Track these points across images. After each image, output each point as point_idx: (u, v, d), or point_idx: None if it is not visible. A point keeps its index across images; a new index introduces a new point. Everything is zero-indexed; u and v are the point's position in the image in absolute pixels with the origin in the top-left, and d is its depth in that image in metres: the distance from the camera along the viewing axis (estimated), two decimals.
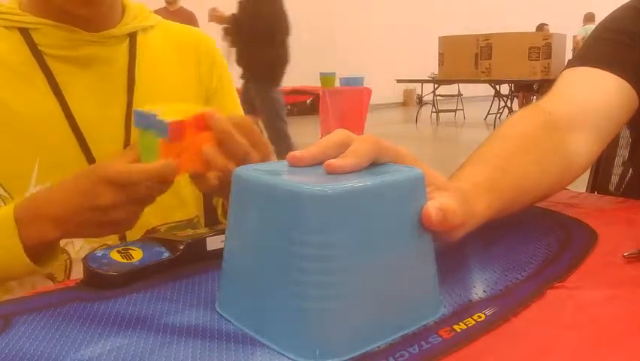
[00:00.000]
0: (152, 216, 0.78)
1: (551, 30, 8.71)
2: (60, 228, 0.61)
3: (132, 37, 0.80)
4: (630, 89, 0.78)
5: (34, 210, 0.62)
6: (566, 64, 0.88)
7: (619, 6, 0.88)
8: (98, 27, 0.76)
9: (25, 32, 0.73)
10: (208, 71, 0.89)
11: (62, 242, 0.74)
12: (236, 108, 0.95)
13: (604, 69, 0.78)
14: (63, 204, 0.61)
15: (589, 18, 8.86)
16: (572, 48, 8.28)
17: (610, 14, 0.88)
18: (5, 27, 0.73)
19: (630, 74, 0.78)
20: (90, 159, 0.75)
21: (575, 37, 8.37)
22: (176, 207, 0.84)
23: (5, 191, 0.71)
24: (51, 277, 0.75)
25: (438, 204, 0.44)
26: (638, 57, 0.79)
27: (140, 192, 0.59)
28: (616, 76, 0.78)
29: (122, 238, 0.77)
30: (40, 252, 0.63)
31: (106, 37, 0.76)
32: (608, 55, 0.81)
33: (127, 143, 0.77)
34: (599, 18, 0.94)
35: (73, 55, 0.75)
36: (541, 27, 9.22)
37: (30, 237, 0.61)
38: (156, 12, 0.87)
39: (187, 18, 5.47)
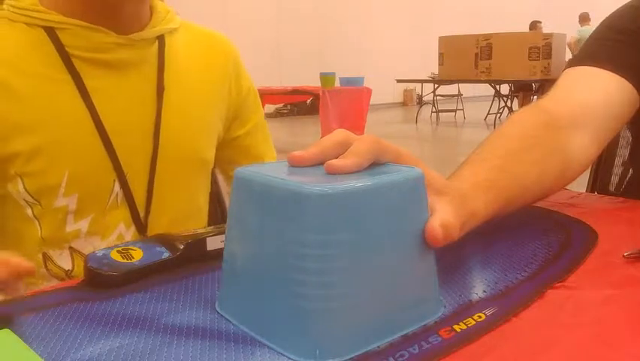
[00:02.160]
0: (171, 226, 0.76)
1: (546, 27, 8.72)
2: None
3: (160, 40, 0.77)
4: (631, 88, 0.78)
5: None
6: (566, 63, 0.88)
7: (619, 5, 0.88)
8: (127, 29, 0.72)
9: (50, 32, 0.69)
10: (236, 83, 0.86)
11: (83, 243, 0.73)
12: (261, 120, 0.93)
13: (604, 68, 0.78)
14: None
15: (584, 18, 8.85)
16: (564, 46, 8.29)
17: (611, 14, 0.88)
18: (27, 24, 0.69)
19: (630, 73, 0.78)
20: (119, 170, 0.72)
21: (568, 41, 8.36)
22: (193, 215, 0.83)
23: (34, 199, 0.69)
24: (70, 276, 0.74)
25: (439, 221, 0.44)
26: (638, 56, 0.79)
27: None
28: (616, 75, 0.78)
29: (143, 235, 0.75)
30: None
31: (135, 40, 0.72)
32: (608, 54, 0.81)
33: (155, 153, 0.74)
34: (596, 18, 0.96)
35: (102, 58, 0.71)
36: (534, 25, 9.20)
37: None
38: None
39: None
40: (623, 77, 0.77)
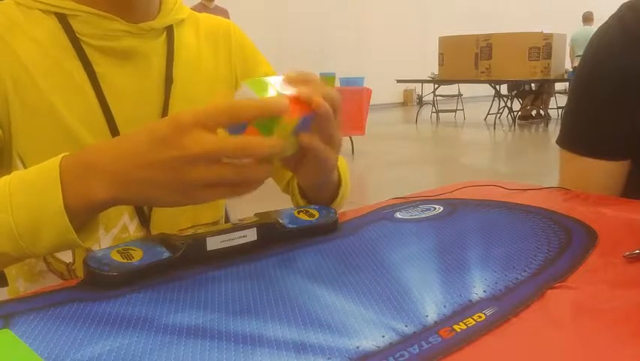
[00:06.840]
0: (177, 219, 0.75)
1: (551, 30, 8.71)
2: (113, 186, 0.51)
3: (169, 31, 0.77)
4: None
5: (85, 161, 0.53)
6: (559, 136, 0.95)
7: (618, 5, 0.89)
8: (138, 18, 0.72)
9: (62, 18, 0.69)
10: (241, 64, 0.85)
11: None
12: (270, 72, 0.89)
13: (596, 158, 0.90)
14: (124, 155, 0.51)
15: (587, 18, 8.80)
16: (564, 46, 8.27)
17: (590, 79, 0.91)
18: (41, 10, 0.69)
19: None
20: None
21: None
22: (207, 207, 0.81)
23: None
24: (70, 269, 0.73)
25: None
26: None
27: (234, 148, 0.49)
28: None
29: (146, 228, 0.74)
30: (81, 219, 0.54)
31: (145, 30, 0.73)
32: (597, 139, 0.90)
33: None
34: (599, 18, 0.97)
35: (112, 46, 0.71)
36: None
37: (75, 194, 0.52)
38: (193, 9, 0.83)
39: (222, 16, 5.42)
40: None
